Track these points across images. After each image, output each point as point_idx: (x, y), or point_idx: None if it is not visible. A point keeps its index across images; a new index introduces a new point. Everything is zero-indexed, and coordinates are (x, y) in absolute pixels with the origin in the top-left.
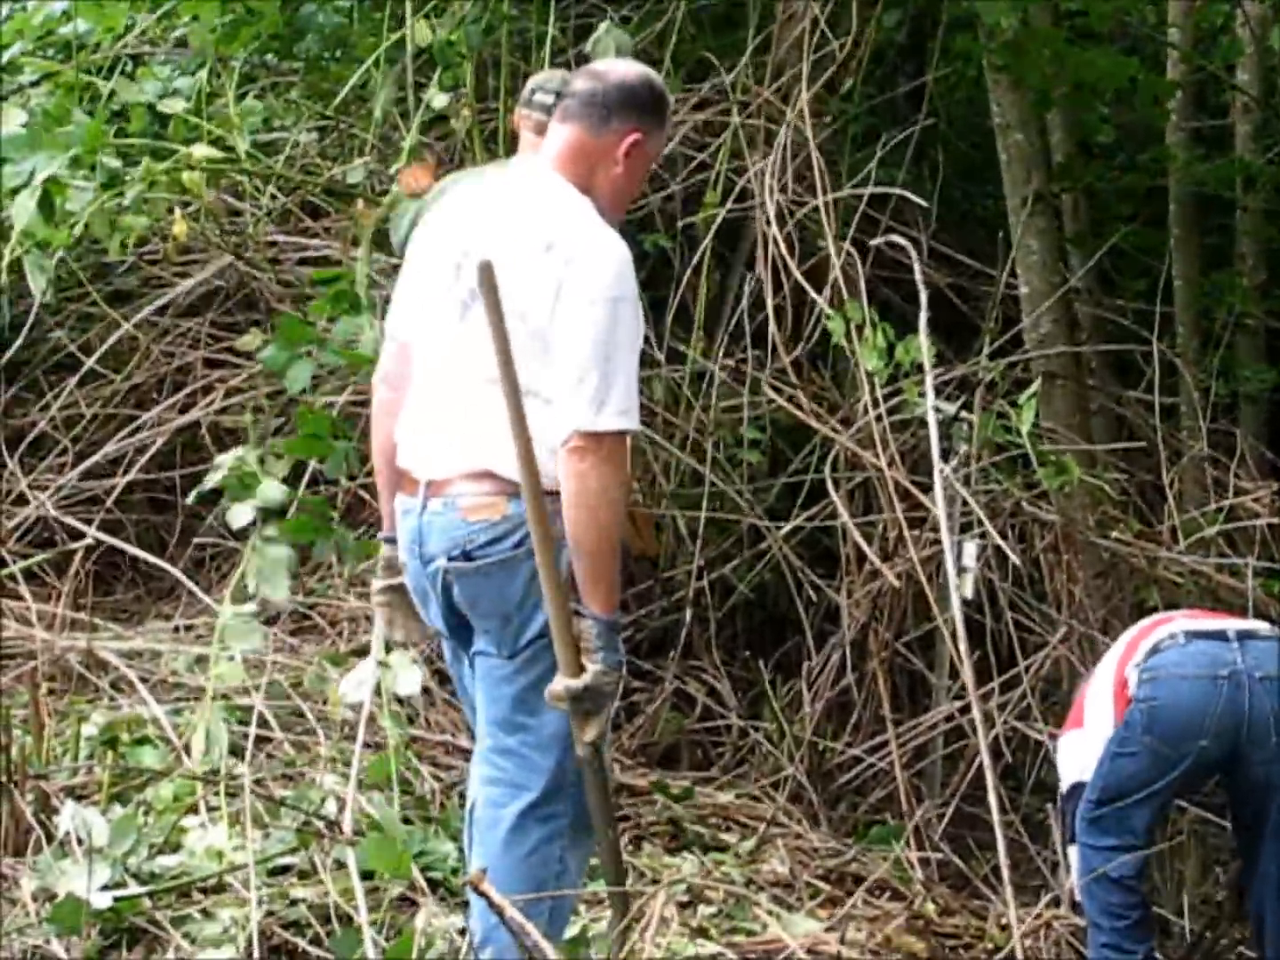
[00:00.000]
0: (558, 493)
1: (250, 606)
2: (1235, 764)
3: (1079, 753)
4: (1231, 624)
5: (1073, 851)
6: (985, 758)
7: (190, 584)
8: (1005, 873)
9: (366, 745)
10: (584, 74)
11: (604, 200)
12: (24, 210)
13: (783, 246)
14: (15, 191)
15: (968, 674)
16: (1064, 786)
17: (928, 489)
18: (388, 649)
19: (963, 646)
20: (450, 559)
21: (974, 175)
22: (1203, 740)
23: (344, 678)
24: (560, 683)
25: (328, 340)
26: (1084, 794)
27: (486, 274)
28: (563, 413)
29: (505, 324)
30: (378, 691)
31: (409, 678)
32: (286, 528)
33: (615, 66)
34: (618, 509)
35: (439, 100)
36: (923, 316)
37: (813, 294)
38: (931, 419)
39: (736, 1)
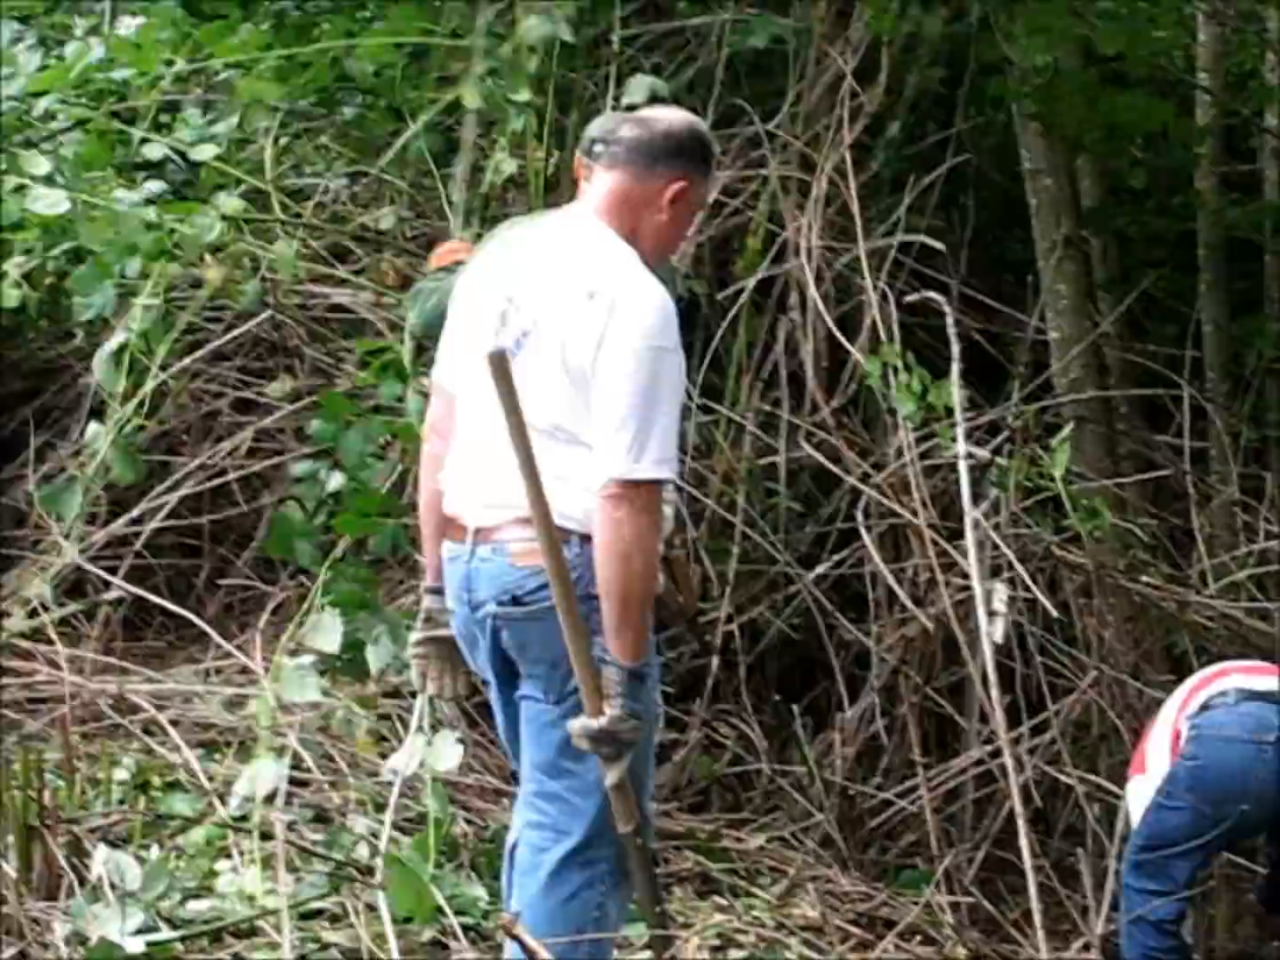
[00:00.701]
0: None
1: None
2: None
3: (1142, 797)
4: None
5: None
6: (1016, 802)
7: (214, 633)
8: (1037, 916)
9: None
10: (631, 121)
11: (647, 247)
12: (103, 369)
13: (818, 295)
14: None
15: (999, 719)
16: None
17: (957, 533)
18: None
19: (994, 691)
20: (499, 604)
21: (1004, 220)
22: (1244, 805)
23: (391, 756)
24: (579, 721)
25: (378, 409)
26: (1131, 837)
27: (499, 364)
28: (599, 459)
29: (520, 408)
30: None
31: (450, 754)
32: (337, 600)
33: (662, 114)
34: (650, 558)
35: (508, 165)
36: (954, 367)
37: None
38: (963, 465)
39: (769, 48)
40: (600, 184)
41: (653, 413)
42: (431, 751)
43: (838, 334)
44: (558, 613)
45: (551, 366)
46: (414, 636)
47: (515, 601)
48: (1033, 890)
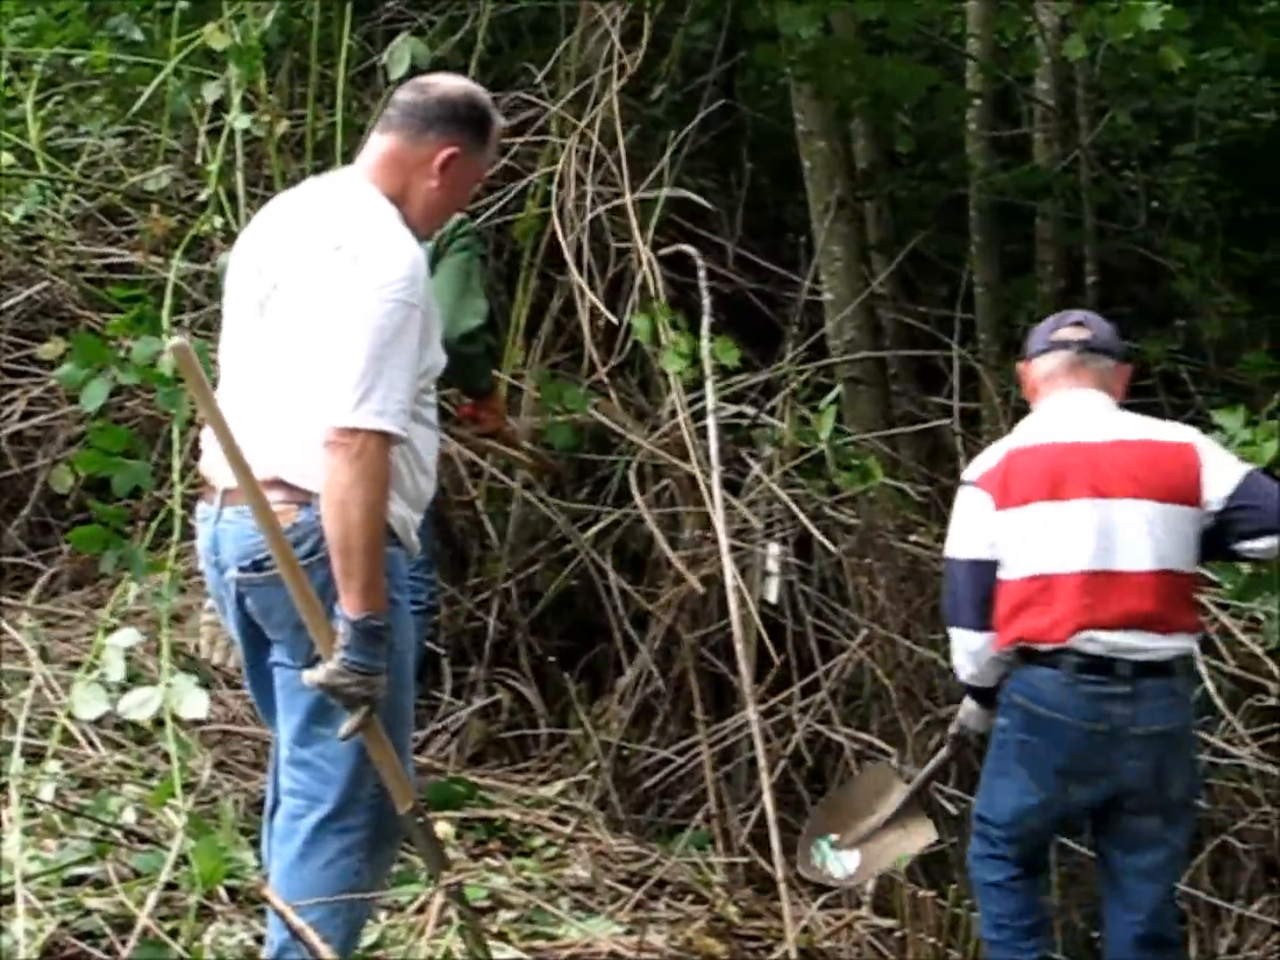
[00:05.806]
0: None
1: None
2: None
3: None
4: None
5: None
6: (761, 762)
7: None
8: (780, 870)
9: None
10: (409, 86)
11: (415, 213)
12: None
13: (591, 255)
14: None
15: (747, 680)
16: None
17: (735, 491)
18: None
19: (740, 648)
20: (241, 569)
21: (783, 181)
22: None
23: (126, 696)
24: (307, 671)
25: (127, 359)
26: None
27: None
28: (328, 408)
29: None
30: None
31: (194, 701)
32: (74, 537)
33: (440, 81)
34: (370, 510)
35: (241, 122)
36: (705, 320)
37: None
38: (711, 423)
39: (544, 6)
40: (374, 146)
41: (383, 365)
42: (173, 696)
43: (593, 296)
44: (279, 565)
45: (296, 322)
46: (207, 603)
47: (256, 567)
48: (776, 846)
